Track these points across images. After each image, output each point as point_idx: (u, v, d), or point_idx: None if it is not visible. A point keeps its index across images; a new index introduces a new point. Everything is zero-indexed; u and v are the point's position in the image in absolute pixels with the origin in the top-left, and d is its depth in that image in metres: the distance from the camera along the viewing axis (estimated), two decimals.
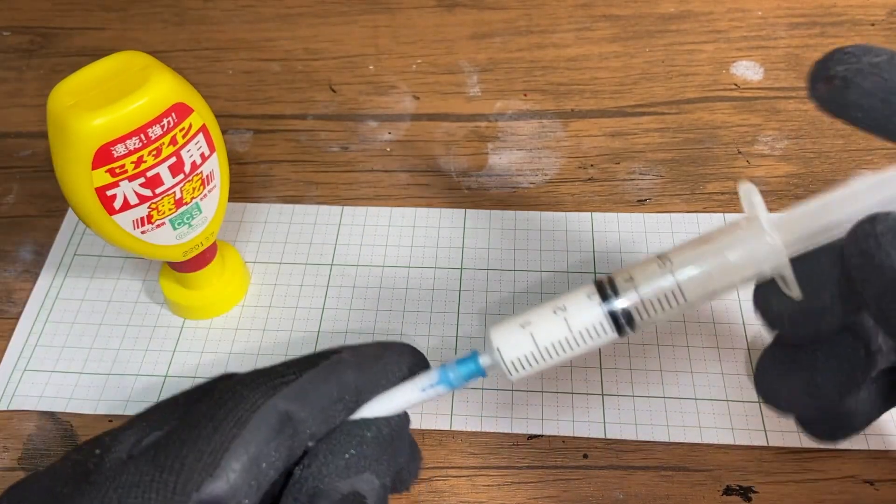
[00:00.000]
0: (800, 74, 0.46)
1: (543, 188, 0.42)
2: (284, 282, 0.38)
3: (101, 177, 0.28)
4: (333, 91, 0.47)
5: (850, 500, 0.31)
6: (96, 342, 0.36)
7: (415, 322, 0.36)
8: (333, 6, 0.52)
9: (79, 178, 0.28)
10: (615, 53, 0.48)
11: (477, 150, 0.43)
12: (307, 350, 0.36)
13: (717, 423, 0.33)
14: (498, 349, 0.23)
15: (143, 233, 0.31)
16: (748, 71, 0.47)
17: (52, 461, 0.32)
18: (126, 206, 0.29)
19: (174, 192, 0.30)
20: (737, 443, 0.32)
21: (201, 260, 0.35)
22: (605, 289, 0.23)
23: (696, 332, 0.35)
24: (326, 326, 0.36)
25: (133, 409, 0.34)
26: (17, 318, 0.37)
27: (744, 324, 0.36)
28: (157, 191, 0.29)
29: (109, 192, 0.28)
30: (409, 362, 0.24)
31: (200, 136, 0.30)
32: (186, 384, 0.27)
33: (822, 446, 0.32)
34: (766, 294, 0.22)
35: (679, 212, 0.40)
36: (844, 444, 0.32)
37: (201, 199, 0.32)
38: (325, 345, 0.36)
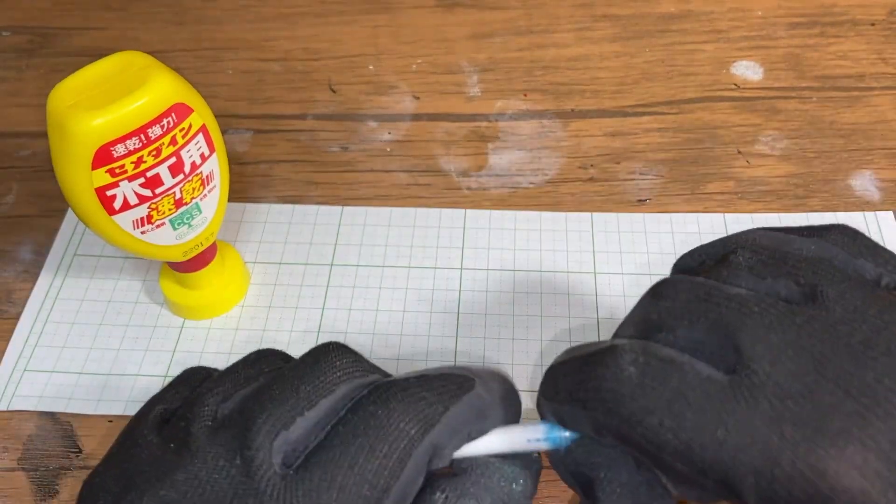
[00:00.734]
0: (800, 74, 0.46)
1: (543, 188, 0.42)
2: (284, 282, 0.38)
3: (101, 177, 0.28)
4: (333, 91, 0.47)
5: None
6: (96, 342, 0.36)
7: (415, 322, 0.36)
8: (333, 6, 0.52)
9: (78, 178, 0.28)
10: (615, 53, 0.48)
11: (477, 150, 0.43)
12: (307, 349, 0.36)
13: None
14: None
15: (142, 233, 0.31)
16: (748, 71, 0.47)
17: (51, 461, 0.32)
18: (126, 206, 0.29)
19: (174, 193, 0.30)
20: None
21: (201, 260, 0.35)
22: None
23: None
24: (326, 326, 0.36)
25: (133, 410, 0.34)
26: (17, 318, 0.37)
27: None
28: (157, 191, 0.29)
29: (109, 193, 0.28)
30: (516, 406, 0.25)
31: (200, 137, 0.30)
32: None
33: None
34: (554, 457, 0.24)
35: (679, 212, 0.40)
36: None
37: (201, 199, 0.32)
38: None
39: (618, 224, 0.40)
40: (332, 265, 0.39)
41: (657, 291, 0.23)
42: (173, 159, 0.29)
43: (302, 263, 0.39)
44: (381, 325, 0.36)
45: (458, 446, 0.23)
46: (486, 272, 0.38)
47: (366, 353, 0.35)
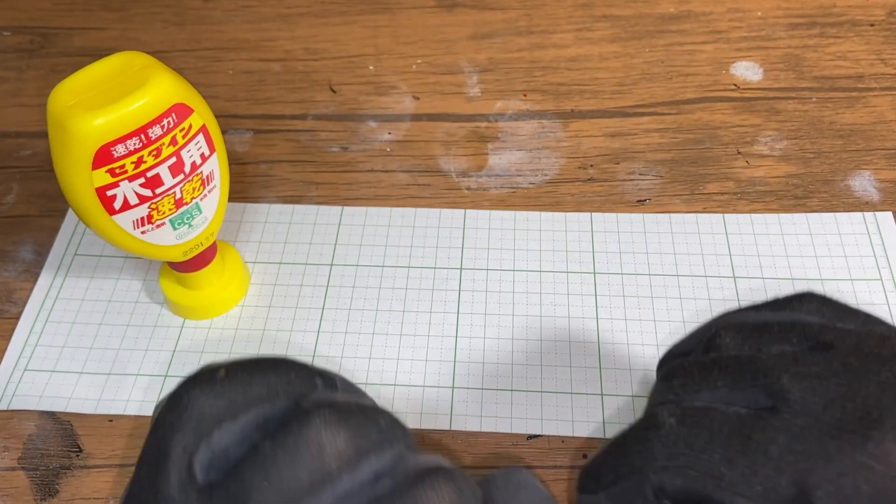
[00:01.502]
0: (799, 75, 0.46)
1: (543, 188, 0.42)
2: (284, 282, 0.38)
3: (101, 177, 0.28)
4: (333, 91, 0.47)
5: None
6: (96, 342, 0.36)
7: (415, 322, 0.36)
8: (333, 6, 0.52)
9: (79, 178, 0.28)
10: (615, 53, 0.48)
11: (477, 151, 0.43)
12: (307, 349, 0.36)
13: None
14: None
15: (143, 233, 0.31)
16: (748, 71, 0.47)
17: (51, 460, 0.32)
18: (126, 206, 0.29)
19: (174, 193, 0.30)
20: None
21: (201, 260, 0.35)
22: None
23: None
24: (326, 326, 0.36)
25: (133, 409, 0.34)
26: (18, 318, 0.37)
27: None
28: (157, 191, 0.30)
29: (109, 193, 0.29)
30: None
31: (200, 137, 0.30)
32: None
33: None
34: None
35: (679, 212, 0.40)
36: None
37: (201, 199, 0.32)
38: (324, 345, 0.36)
39: (617, 224, 0.40)
40: (332, 265, 0.39)
41: (666, 376, 0.25)
42: (173, 159, 0.29)
43: (302, 263, 0.39)
44: (381, 325, 0.36)
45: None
46: (485, 272, 0.38)
47: (365, 353, 0.35)
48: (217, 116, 0.31)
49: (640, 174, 0.42)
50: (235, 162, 0.43)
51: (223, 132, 0.32)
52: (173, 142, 0.29)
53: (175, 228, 0.31)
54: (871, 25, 0.49)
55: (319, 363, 0.35)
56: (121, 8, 0.52)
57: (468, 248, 0.39)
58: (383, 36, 0.50)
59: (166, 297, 0.36)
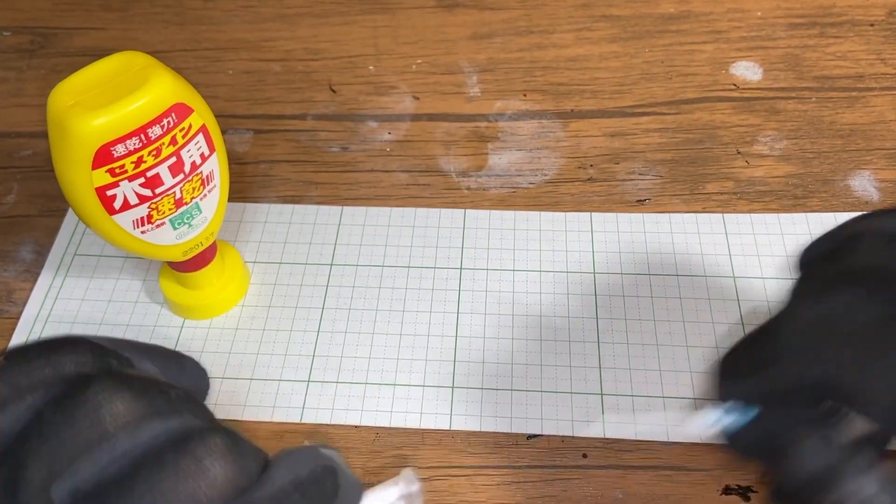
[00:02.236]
0: (799, 75, 0.46)
1: (543, 188, 0.42)
2: (284, 282, 0.38)
3: (101, 177, 0.28)
4: (333, 91, 0.47)
5: None
6: None
7: (415, 322, 0.36)
8: (333, 6, 0.52)
9: (79, 178, 0.28)
10: (615, 53, 0.48)
11: (477, 150, 0.43)
12: (307, 349, 0.36)
13: None
14: None
15: (143, 233, 0.31)
16: (747, 71, 0.47)
17: None
18: (126, 205, 0.29)
19: (174, 192, 0.30)
20: None
21: (201, 260, 0.35)
22: None
23: (696, 332, 0.35)
24: (326, 326, 0.36)
25: None
26: (18, 318, 0.37)
27: (742, 323, 0.36)
28: (157, 191, 0.30)
29: (109, 192, 0.29)
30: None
31: (200, 137, 0.30)
32: None
33: None
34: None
35: (678, 212, 0.40)
36: None
37: (201, 199, 0.32)
38: (324, 344, 0.36)
39: (617, 224, 0.40)
40: (332, 265, 0.39)
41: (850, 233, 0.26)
42: (173, 159, 0.29)
43: (302, 263, 0.39)
44: (381, 324, 0.36)
45: None
46: (485, 272, 0.38)
47: (365, 353, 0.35)
48: (217, 116, 0.31)
49: (639, 174, 0.42)
50: (235, 162, 0.43)
51: (223, 132, 0.32)
52: (173, 141, 0.29)
53: (175, 228, 0.31)
54: (871, 25, 0.49)
55: (319, 363, 0.35)
56: (121, 8, 0.52)
57: (468, 248, 0.39)
58: (383, 36, 0.50)
59: (166, 297, 0.36)
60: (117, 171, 0.28)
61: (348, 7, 0.52)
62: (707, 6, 0.51)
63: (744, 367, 0.25)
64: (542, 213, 0.40)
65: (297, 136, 0.45)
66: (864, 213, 0.26)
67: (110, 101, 0.27)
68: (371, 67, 0.48)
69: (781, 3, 0.50)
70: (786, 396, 0.23)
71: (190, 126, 0.29)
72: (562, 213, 0.40)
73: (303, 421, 0.33)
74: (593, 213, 0.40)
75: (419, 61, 0.48)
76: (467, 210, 0.41)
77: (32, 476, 0.20)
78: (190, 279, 0.35)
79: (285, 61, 0.49)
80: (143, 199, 0.29)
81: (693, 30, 0.49)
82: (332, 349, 0.36)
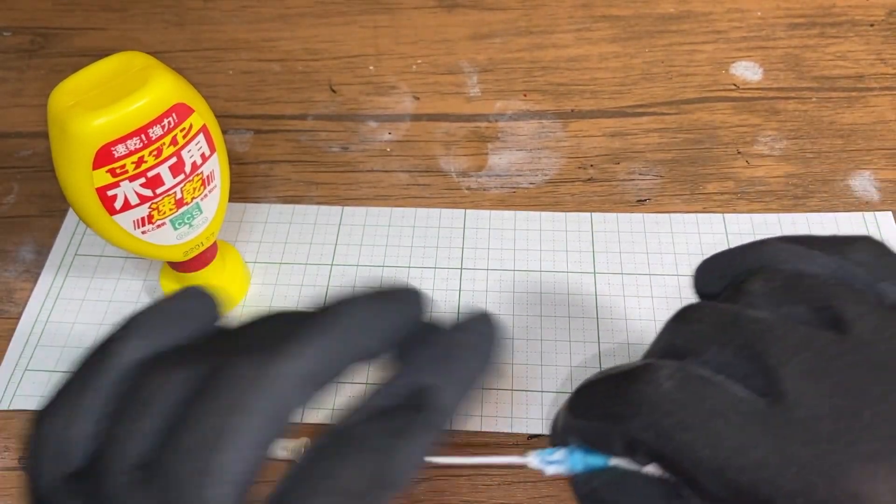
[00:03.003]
0: (799, 75, 0.46)
1: (543, 188, 0.42)
2: (284, 282, 0.38)
3: (102, 177, 0.28)
4: (333, 91, 0.47)
5: None
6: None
7: None
8: (333, 6, 0.52)
9: (79, 178, 0.28)
10: (615, 54, 0.48)
11: (477, 151, 0.43)
12: None
13: None
14: None
15: (143, 233, 0.31)
16: (747, 71, 0.47)
17: None
18: (127, 206, 0.29)
19: (175, 193, 0.30)
20: None
21: (202, 260, 0.35)
22: None
23: None
24: None
25: None
26: (18, 318, 0.37)
27: None
28: (158, 191, 0.30)
29: (110, 193, 0.29)
30: None
31: (201, 137, 0.30)
32: None
33: None
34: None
35: (678, 212, 0.40)
36: None
37: (202, 199, 0.32)
38: None
39: (617, 224, 0.40)
40: (332, 265, 0.39)
41: (683, 316, 0.23)
42: (174, 159, 0.29)
43: (302, 263, 0.39)
44: None
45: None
46: (485, 272, 0.38)
47: None
48: (217, 116, 0.31)
49: (640, 174, 0.42)
50: (236, 162, 0.43)
51: (223, 132, 0.32)
52: (174, 142, 0.29)
53: (175, 228, 0.31)
54: (871, 25, 0.49)
55: None
56: (121, 8, 0.52)
57: (468, 248, 0.39)
58: (383, 36, 0.50)
59: None
60: (118, 171, 0.28)
61: (348, 7, 0.52)
62: (707, 6, 0.51)
63: (605, 405, 0.22)
64: (543, 213, 0.40)
65: (298, 137, 0.45)
66: (767, 238, 0.24)
67: (111, 101, 0.27)
68: (371, 67, 0.48)
69: (781, 3, 0.50)
70: (634, 456, 0.22)
71: (190, 126, 0.29)
72: (562, 213, 0.40)
73: (303, 421, 0.33)
74: (593, 213, 0.40)
75: (419, 61, 0.48)
76: (467, 210, 0.41)
77: None
78: (190, 279, 0.35)
79: (285, 61, 0.49)
80: (143, 199, 0.29)
81: (693, 30, 0.49)
82: None
